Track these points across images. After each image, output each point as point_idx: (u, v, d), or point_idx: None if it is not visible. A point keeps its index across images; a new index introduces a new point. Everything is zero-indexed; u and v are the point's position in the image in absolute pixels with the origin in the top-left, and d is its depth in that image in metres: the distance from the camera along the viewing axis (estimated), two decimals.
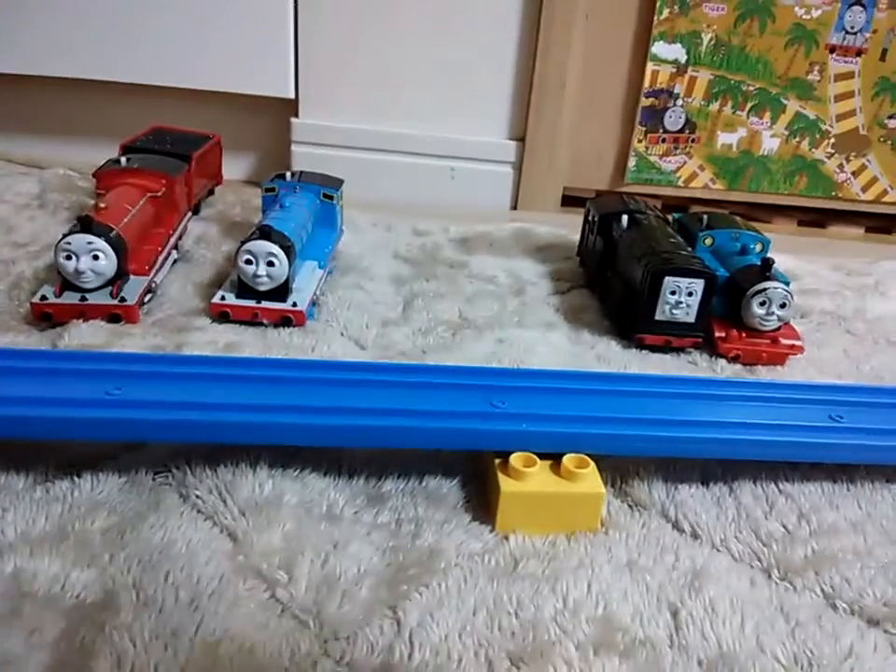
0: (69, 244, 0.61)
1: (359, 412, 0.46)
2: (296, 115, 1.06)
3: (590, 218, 0.81)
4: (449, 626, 0.37)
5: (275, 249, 0.63)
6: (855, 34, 1.04)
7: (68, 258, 0.61)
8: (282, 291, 0.65)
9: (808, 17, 1.03)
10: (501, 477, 0.44)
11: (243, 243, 0.64)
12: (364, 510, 0.45)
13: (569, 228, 0.92)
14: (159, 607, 0.36)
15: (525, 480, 0.44)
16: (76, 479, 0.45)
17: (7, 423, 0.43)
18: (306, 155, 1.07)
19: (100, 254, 0.61)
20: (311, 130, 1.06)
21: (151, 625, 0.35)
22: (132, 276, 0.65)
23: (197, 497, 0.44)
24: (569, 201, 1.13)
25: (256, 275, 0.63)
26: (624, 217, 0.75)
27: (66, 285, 0.62)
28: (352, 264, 0.79)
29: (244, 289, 0.65)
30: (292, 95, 1.05)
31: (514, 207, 1.10)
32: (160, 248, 0.71)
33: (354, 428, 0.45)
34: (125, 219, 0.66)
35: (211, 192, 0.93)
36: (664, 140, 1.10)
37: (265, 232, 0.64)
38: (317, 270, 0.71)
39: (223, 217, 0.87)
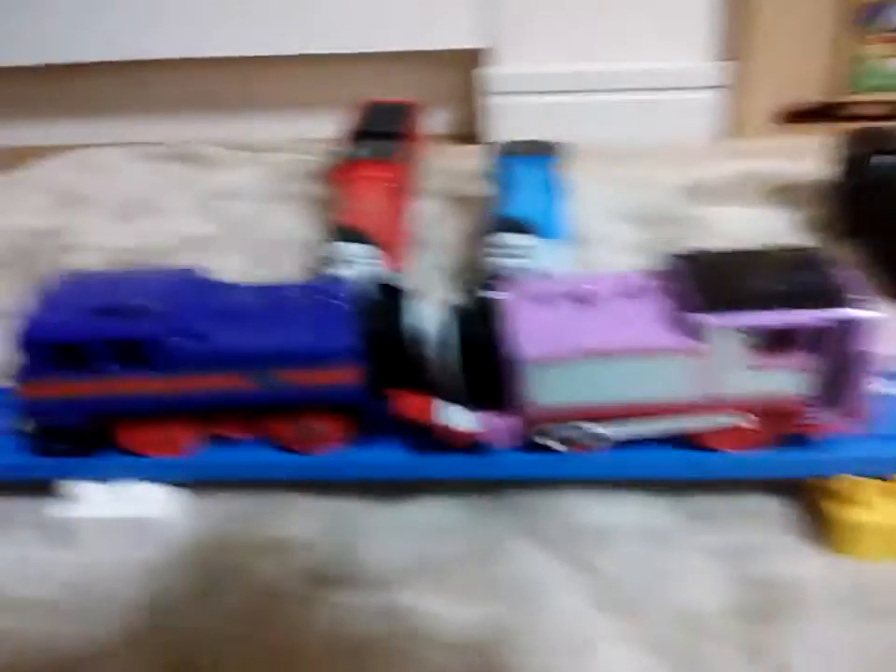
0: (333, 253, 0.63)
1: None
2: (487, 64, 1.03)
3: (849, 156, 0.74)
4: (812, 667, 0.38)
5: (528, 241, 0.63)
6: None
7: (335, 266, 0.64)
8: None
9: None
10: (839, 505, 0.43)
11: (490, 234, 0.64)
12: (695, 532, 0.45)
13: (793, 156, 0.86)
14: (551, 656, 0.39)
15: (867, 507, 0.42)
16: (415, 499, 0.48)
17: None
18: (502, 106, 1.04)
19: (364, 260, 0.64)
20: (504, 79, 1.03)
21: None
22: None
23: (535, 522, 0.46)
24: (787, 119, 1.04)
25: (507, 269, 0.64)
26: None
27: None
28: (582, 232, 0.77)
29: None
30: (483, 45, 1.01)
31: (727, 135, 1.03)
32: (402, 239, 0.73)
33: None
34: (375, 219, 0.68)
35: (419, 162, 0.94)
36: None
37: (514, 224, 0.64)
38: (562, 248, 0.71)
39: (440, 191, 0.87)
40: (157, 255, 0.78)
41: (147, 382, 0.44)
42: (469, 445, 0.44)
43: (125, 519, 0.46)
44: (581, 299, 0.43)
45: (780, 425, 0.44)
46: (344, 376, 0.43)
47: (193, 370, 0.43)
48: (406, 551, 0.45)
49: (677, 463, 0.46)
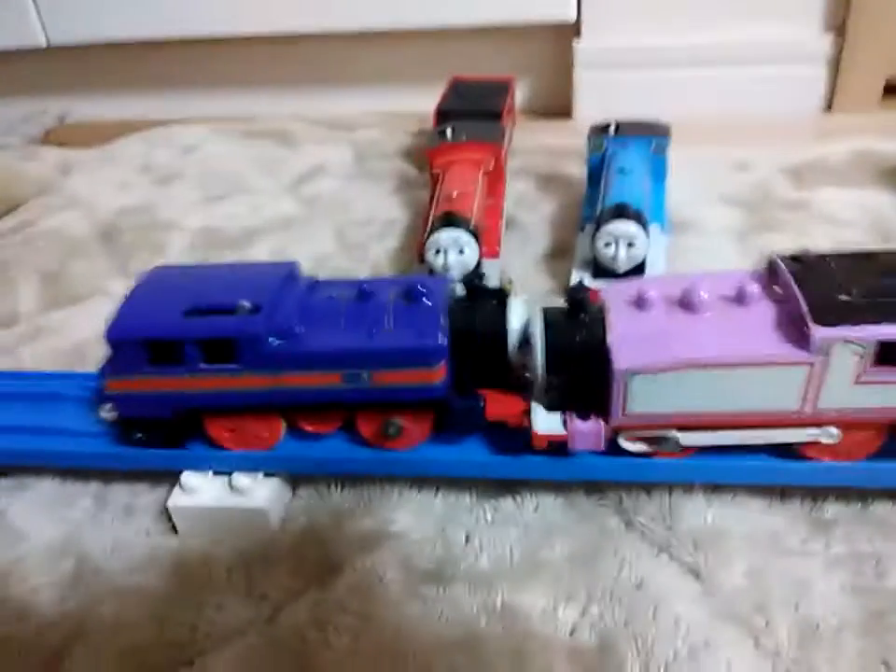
0: (438, 240, 0.62)
1: None
2: (577, 38, 1.00)
3: None
4: None
5: (636, 230, 0.61)
6: None
7: (436, 252, 0.63)
8: (639, 270, 0.63)
9: None
10: None
11: (598, 225, 0.62)
12: (811, 539, 0.43)
13: None
14: (664, 662, 0.38)
15: None
16: (516, 497, 0.47)
17: None
18: (590, 80, 1.01)
19: (465, 248, 0.62)
20: (595, 53, 0.99)
21: None
22: (483, 260, 0.66)
23: (641, 524, 0.45)
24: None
25: (615, 258, 0.62)
26: None
27: None
28: (680, 217, 0.74)
29: (598, 270, 0.64)
30: (573, 18, 0.98)
31: (833, 110, 0.97)
32: (499, 223, 0.71)
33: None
34: (474, 205, 0.66)
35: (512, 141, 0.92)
36: None
37: (622, 212, 0.61)
38: (661, 235, 0.68)
39: (531, 170, 0.85)
40: (242, 236, 0.79)
41: (236, 379, 0.43)
42: (553, 448, 0.43)
43: (229, 509, 0.46)
44: (683, 304, 0.41)
45: (889, 437, 0.41)
46: (434, 376, 0.43)
47: (282, 369, 0.43)
48: (510, 548, 0.45)
49: (768, 471, 0.43)
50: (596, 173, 0.71)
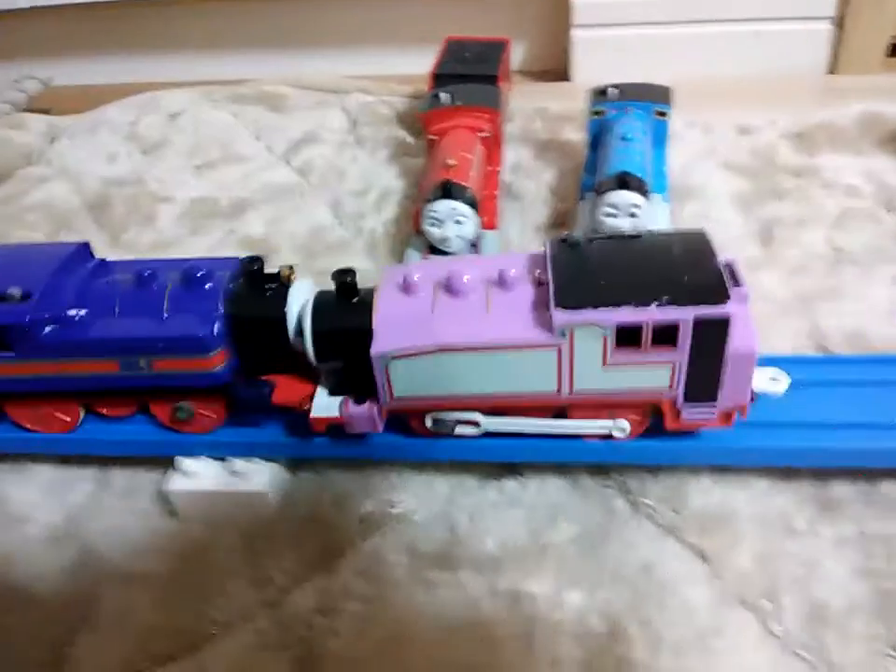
0: (435, 211, 0.61)
1: None
2: None
3: None
4: None
5: (638, 199, 0.59)
6: None
7: (433, 224, 0.61)
8: None
9: None
10: None
11: (600, 193, 0.61)
12: (819, 520, 0.43)
13: None
14: (672, 647, 0.38)
15: None
16: (520, 478, 0.47)
17: None
18: (588, 39, 0.98)
19: (463, 218, 0.61)
20: (591, 9, 0.96)
21: (671, 667, 0.37)
22: (483, 231, 0.65)
23: (647, 505, 0.44)
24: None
25: (617, 228, 0.60)
26: None
27: (432, 249, 0.63)
28: (682, 183, 0.73)
29: None
30: None
31: (838, 71, 0.95)
32: (497, 193, 0.69)
33: None
34: (472, 173, 0.65)
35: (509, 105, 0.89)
36: None
37: (624, 181, 0.60)
38: (663, 204, 0.66)
39: (528, 136, 0.83)
40: (235, 206, 0.77)
41: (14, 366, 0.43)
42: (330, 430, 0.44)
43: (229, 493, 0.45)
44: (450, 288, 0.41)
45: (648, 419, 0.42)
46: (212, 363, 0.42)
47: (58, 356, 0.43)
48: (513, 530, 0.44)
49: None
50: (596, 138, 0.70)
